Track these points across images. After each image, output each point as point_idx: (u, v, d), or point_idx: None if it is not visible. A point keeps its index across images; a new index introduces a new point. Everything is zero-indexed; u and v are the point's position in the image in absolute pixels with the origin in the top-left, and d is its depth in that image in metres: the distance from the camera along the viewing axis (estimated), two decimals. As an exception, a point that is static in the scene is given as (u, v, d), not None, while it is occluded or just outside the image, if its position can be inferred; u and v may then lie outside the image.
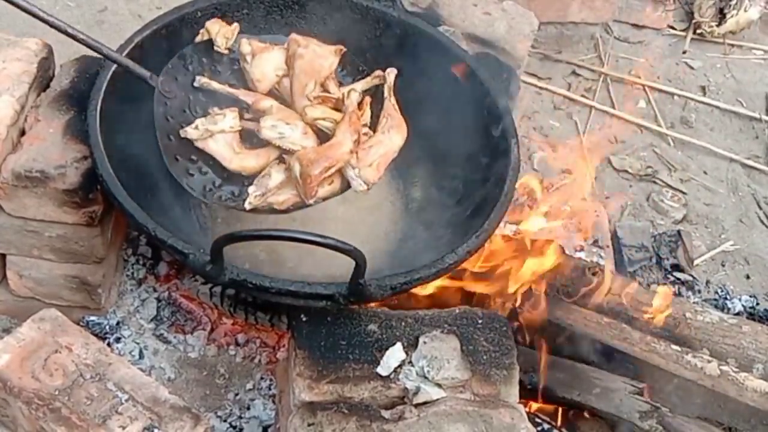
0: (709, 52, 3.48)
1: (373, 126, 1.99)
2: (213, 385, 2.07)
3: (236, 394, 2.05)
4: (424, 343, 1.73)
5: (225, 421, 2.00)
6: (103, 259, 2.04)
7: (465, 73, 2.10)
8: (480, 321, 1.79)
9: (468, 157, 2.08)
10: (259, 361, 2.11)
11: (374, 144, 1.94)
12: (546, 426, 1.97)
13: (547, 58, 3.26)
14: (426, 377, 1.69)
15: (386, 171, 2.21)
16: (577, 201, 2.54)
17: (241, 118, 1.93)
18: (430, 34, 2.20)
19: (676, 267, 2.54)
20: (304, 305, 1.75)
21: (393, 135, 1.97)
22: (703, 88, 3.33)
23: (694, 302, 2.37)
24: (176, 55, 2.00)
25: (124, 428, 1.62)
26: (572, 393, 1.96)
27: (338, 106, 1.96)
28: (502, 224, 2.01)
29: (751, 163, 3.08)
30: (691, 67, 3.40)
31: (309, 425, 1.60)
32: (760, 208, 2.95)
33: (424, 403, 1.66)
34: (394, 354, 1.70)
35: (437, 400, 1.67)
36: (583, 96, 3.18)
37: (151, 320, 2.15)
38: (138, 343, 2.10)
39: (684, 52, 3.45)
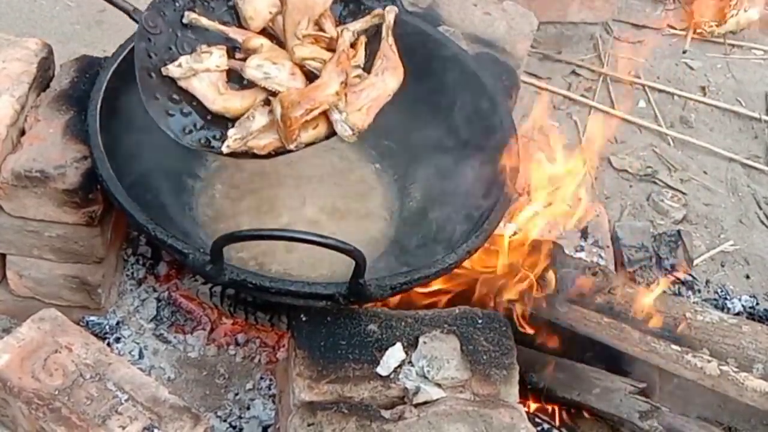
0: (709, 52, 3.48)
1: (369, 69, 1.88)
2: (213, 385, 2.07)
3: (236, 394, 2.05)
4: (424, 343, 1.73)
5: (225, 421, 2.00)
6: (103, 259, 2.04)
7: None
8: (480, 321, 1.79)
9: (467, 157, 2.07)
10: (259, 360, 2.11)
11: (366, 87, 1.83)
12: (546, 426, 1.97)
13: (546, 58, 3.26)
14: (426, 377, 1.69)
15: (386, 170, 2.23)
16: (577, 201, 2.54)
17: (231, 57, 1.85)
18: (430, 34, 2.20)
19: (676, 267, 2.54)
20: (304, 305, 1.75)
21: (387, 77, 1.85)
22: (703, 88, 3.33)
23: (694, 302, 2.37)
24: None
25: (123, 428, 1.62)
26: (572, 393, 1.96)
27: (332, 47, 1.86)
28: (501, 224, 2.01)
29: (750, 163, 3.08)
30: (691, 67, 3.40)
31: (309, 425, 1.60)
32: (760, 208, 2.95)
33: (424, 403, 1.66)
34: (394, 354, 1.70)
35: (437, 400, 1.67)
36: (582, 96, 3.18)
37: (151, 320, 2.15)
38: (138, 343, 2.10)
39: (684, 52, 3.45)
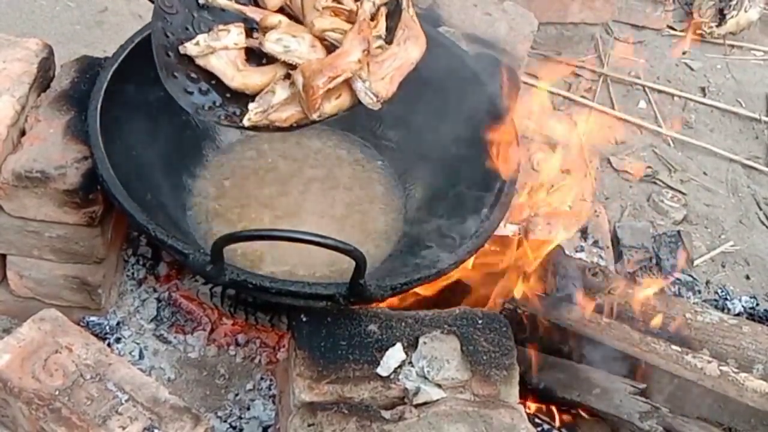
0: (709, 52, 3.48)
1: (391, 42, 1.86)
2: (213, 385, 2.07)
3: (236, 395, 2.05)
4: (424, 343, 1.73)
5: (225, 421, 2.00)
6: (104, 260, 2.04)
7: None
8: (480, 321, 1.79)
9: (468, 158, 2.08)
10: (259, 361, 2.11)
11: (388, 57, 1.80)
12: (546, 426, 1.97)
13: (547, 59, 3.26)
14: (426, 377, 1.69)
15: (387, 170, 2.23)
16: (577, 201, 2.54)
17: (248, 36, 1.84)
18: (430, 35, 2.20)
19: (676, 267, 2.54)
20: (304, 305, 1.75)
21: (409, 47, 1.83)
22: (703, 89, 3.33)
23: (694, 303, 2.37)
24: None
25: (124, 428, 1.62)
26: (572, 393, 1.96)
27: (352, 20, 1.83)
28: (501, 224, 2.01)
29: (751, 163, 3.08)
30: (691, 68, 3.41)
31: (309, 425, 1.60)
32: (760, 208, 2.95)
33: (424, 403, 1.66)
34: (394, 354, 1.70)
35: (437, 400, 1.67)
36: (583, 96, 3.18)
37: (151, 320, 2.15)
38: (138, 344, 2.10)
39: (684, 53, 3.45)
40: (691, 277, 2.55)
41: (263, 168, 2.18)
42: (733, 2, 3.41)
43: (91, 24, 3.14)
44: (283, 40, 1.80)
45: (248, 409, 2.02)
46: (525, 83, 2.98)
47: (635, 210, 2.84)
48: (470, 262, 1.96)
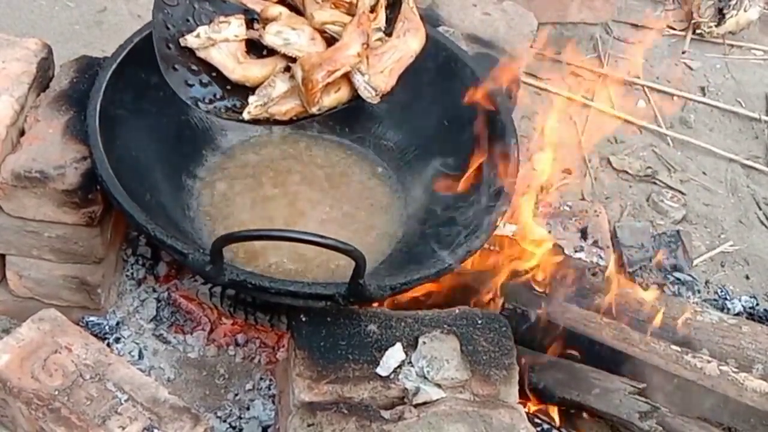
0: (709, 52, 3.48)
1: (390, 34, 1.87)
2: (212, 385, 2.07)
3: (236, 395, 2.05)
4: (424, 343, 1.73)
5: (224, 421, 1.99)
6: (103, 260, 2.04)
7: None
8: (479, 321, 1.79)
9: (467, 158, 2.07)
10: (259, 361, 2.11)
11: (387, 49, 1.81)
12: (546, 426, 1.97)
13: (546, 59, 3.26)
14: (425, 377, 1.69)
15: (386, 170, 2.22)
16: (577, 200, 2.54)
17: (249, 28, 1.84)
18: (429, 34, 2.20)
19: (676, 267, 2.54)
20: (304, 305, 1.75)
21: (409, 39, 1.83)
22: (703, 89, 3.33)
23: (693, 302, 2.37)
24: None
25: (123, 428, 1.62)
26: (571, 393, 1.96)
27: (352, 12, 1.83)
28: (501, 224, 2.01)
29: (750, 163, 3.08)
30: (691, 68, 3.40)
31: (309, 425, 1.59)
32: (760, 208, 2.95)
33: (424, 403, 1.66)
34: (394, 354, 1.70)
35: (437, 400, 1.66)
36: (582, 96, 3.18)
37: (151, 320, 2.14)
38: (137, 344, 2.09)
39: (683, 53, 3.45)
40: (691, 276, 2.55)
41: (262, 168, 2.18)
42: (733, 2, 3.41)
43: (90, 24, 3.14)
44: (283, 32, 1.80)
45: (248, 409, 2.02)
46: (524, 83, 2.98)
47: (635, 210, 2.84)
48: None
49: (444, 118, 2.13)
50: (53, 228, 1.96)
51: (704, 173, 3.03)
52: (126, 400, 1.66)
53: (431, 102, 2.15)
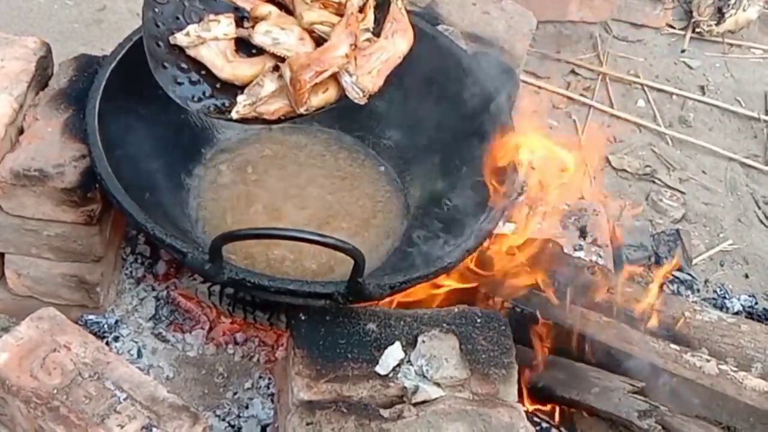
0: (708, 51, 3.48)
1: (379, 35, 1.87)
2: (211, 383, 2.07)
3: (235, 393, 2.05)
4: (423, 342, 1.73)
5: (223, 420, 2.00)
6: (102, 258, 2.04)
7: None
8: (479, 320, 1.79)
9: (467, 157, 2.08)
10: (258, 359, 2.11)
11: (376, 50, 1.82)
12: (545, 425, 1.97)
13: (546, 57, 3.26)
14: (425, 376, 1.69)
15: (386, 170, 2.22)
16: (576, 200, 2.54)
17: (239, 26, 1.85)
18: (428, 33, 2.20)
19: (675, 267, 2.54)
20: (303, 304, 1.75)
21: (397, 40, 1.84)
22: (702, 88, 3.33)
23: (692, 301, 2.37)
24: None
25: (122, 427, 1.62)
26: (571, 392, 1.96)
27: (341, 12, 1.84)
28: (500, 223, 2.01)
29: (750, 162, 3.08)
30: (690, 67, 3.40)
31: (307, 424, 1.59)
32: (759, 207, 2.96)
33: (423, 402, 1.66)
34: (393, 353, 1.70)
35: (436, 399, 1.66)
36: (581, 95, 3.18)
37: (150, 319, 2.14)
38: (136, 342, 2.09)
39: (683, 51, 3.45)
40: (690, 275, 2.55)
41: (262, 166, 2.18)
42: (732, 1, 3.41)
43: (89, 22, 3.14)
44: (272, 32, 1.80)
45: (247, 407, 2.02)
46: (524, 82, 2.98)
47: (634, 209, 2.84)
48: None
49: (444, 118, 2.13)
50: (52, 226, 1.96)
51: (703, 172, 3.03)
52: (125, 399, 1.66)
53: (431, 101, 2.15)
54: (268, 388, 2.05)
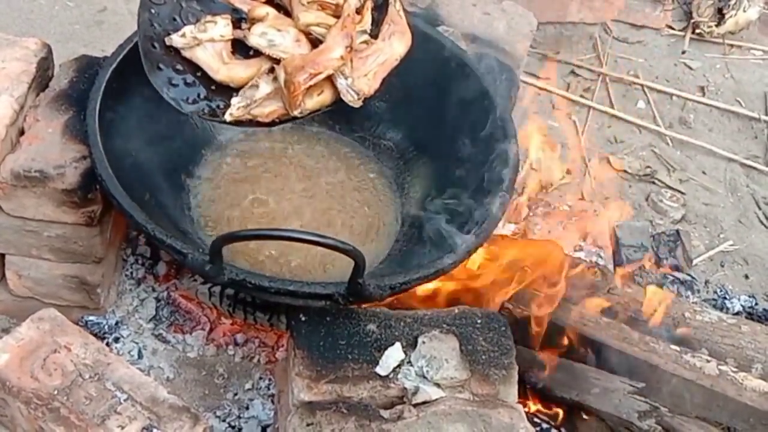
0: (708, 52, 3.48)
1: (376, 36, 1.85)
2: (212, 384, 2.07)
3: (235, 394, 2.05)
4: (423, 343, 1.73)
5: (224, 420, 2.00)
6: (102, 259, 2.04)
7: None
8: (479, 321, 1.79)
9: (467, 157, 2.08)
10: (258, 360, 2.11)
11: (372, 52, 1.80)
12: (545, 426, 1.97)
13: (546, 58, 3.26)
14: (425, 377, 1.69)
15: (386, 170, 2.23)
16: (576, 200, 2.54)
17: (236, 27, 1.84)
18: (429, 34, 2.20)
19: (675, 267, 2.54)
20: (303, 305, 1.75)
21: (394, 42, 1.82)
22: (702, 88, 3.33)
23: (693, 302, 2.37)
24: None
25: (122, 428, 1.62)
26: (571, 393, 1.96)
27: (338, 13, 1.83)
28: (501, 224, 2.01)
29: (750, 163, 3.08)
30: (690, 68, 3.40)
31: (308, 425, 1.60)
32: (759, 208, 2.96)
33: (423, 402, 1.66)
34: (393, 354, 1.70)
35: (436, 399, 1.67)
36: (582, 96, 3.18)
37: (150, 320, 2.15)
38: (137, 343, 2.10)
39: (683, 52, 3.45)
40: (690, 276, 2.55)
41: (262, 168, 2.18)
42: (732, 2, 3.41)
43: (90, 23, 3.14)
44: (268, 33, 1.80)
45: (247, 408, 2.02)
46: (524, 82, 2.98)
47: (634, 209, 2.84)
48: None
49: (444, 119, 2.13)
50: (53, 227, 1.96)
51: (704, 173, 3.03)
52: (125, 400, 1.66)
53: (431, 102, 2.15)
54: (269, 389, 2.05)
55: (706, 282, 2.64)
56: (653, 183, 2.95)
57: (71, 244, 1.99)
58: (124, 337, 2.10)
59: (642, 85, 3.28)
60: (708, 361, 2.00)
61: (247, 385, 2.06)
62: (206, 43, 1.81)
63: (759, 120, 3.23)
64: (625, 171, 2.97)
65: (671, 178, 2.98)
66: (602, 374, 1.98)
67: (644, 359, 1.99)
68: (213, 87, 1.83)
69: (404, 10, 1.90)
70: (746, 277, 2.72)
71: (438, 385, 1.69)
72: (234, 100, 1.78)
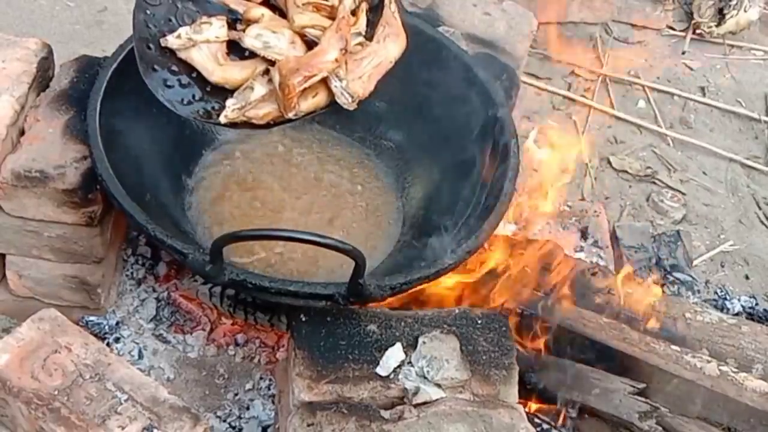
0: (709, 52, 3.48)
1: (371, 38, 1.85)
2: (212, 385, 2.07)
3: (236, 394, 2.05)
4: (424, 343, 1.73)
5: (224, 421, 2.00)
6: (103, 259, 2.04)
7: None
8: (479, 321, 1.79)
9: (467, 158, 2.08)
10: (259, 361, 2.11)
11: (367, 54, 1.80)
12: (546, 426, 1.97)
13: (546, 58, 3.26)
14: (425, 377, 1.69)
15: (386, 170, 2.23)
16: (576, 200, 2.55)
17: (231, 28, 1.84)
18: (429, 34, 2.20)
19: (676, 267, 2.54)
20: (304, 305, 1.75)
21: (389, 45, 1.82)
22: (703, 89, 3.33)
23: (693, 302, 2.37)
24: None
25: (123, 428, 1.62)
26: (571, 393, 1.96)
27: (333, 15, 1.83)
28: (501, 224, 2.01)
29: (750, 163, 3.08)
30: (691, 68, 3.41)
31: (308, 425, 1.60)
32: (760, 208, 2.96)
33: (424, 403, 1.66)
34: (394, 354, 1.70)
35: (437, 400, 1.67)
36: (582, 96, 3.18)
37: (151, 320, 2.15)
38: (137, 343, 2.09)
39: (683, 53, 3.45)
40: (691, 276, 2.55)
41: (262, 167, 2.18)
42: (733, 2, 3.41)
43: (90, 23, 3.14)
44: (263, 35, 1.80)
45: (247, 408, 2.02)
46: (524, 83, 2.98)
47: (635, 210, 2.84)
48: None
49: (444, 119, 2.13)
50: (53, 228, 1.96)
51: (704, 173, 3.03)
52: (126, 400, 1.66)
53: (432, 102, 2.15)
54: (269, 389, 2.05)
55: (707, 282, 2.65)
56: (654, 183, 2.95)
57: (72, 245, 1.99)
58: (125, 337, 2.10)
59: (642, 86, 3.28)
60: (708, 362, 2.00)
61: (248, 386, 2.06)
62: (201, 44, 1.80)
63: (759, 120, 3.23)
64: (626, 171, 2.97)
65: (672, 179, 2.98)
66: (603, 374, 1.98)
67: (644, 359, 1.99)
68: (208, 88, 1.83)
69: (399, 11, 1.90)
70: (747, 277, 2.72)
71: (438, 386, 1.69)
72: (229, 102, 1.78)
